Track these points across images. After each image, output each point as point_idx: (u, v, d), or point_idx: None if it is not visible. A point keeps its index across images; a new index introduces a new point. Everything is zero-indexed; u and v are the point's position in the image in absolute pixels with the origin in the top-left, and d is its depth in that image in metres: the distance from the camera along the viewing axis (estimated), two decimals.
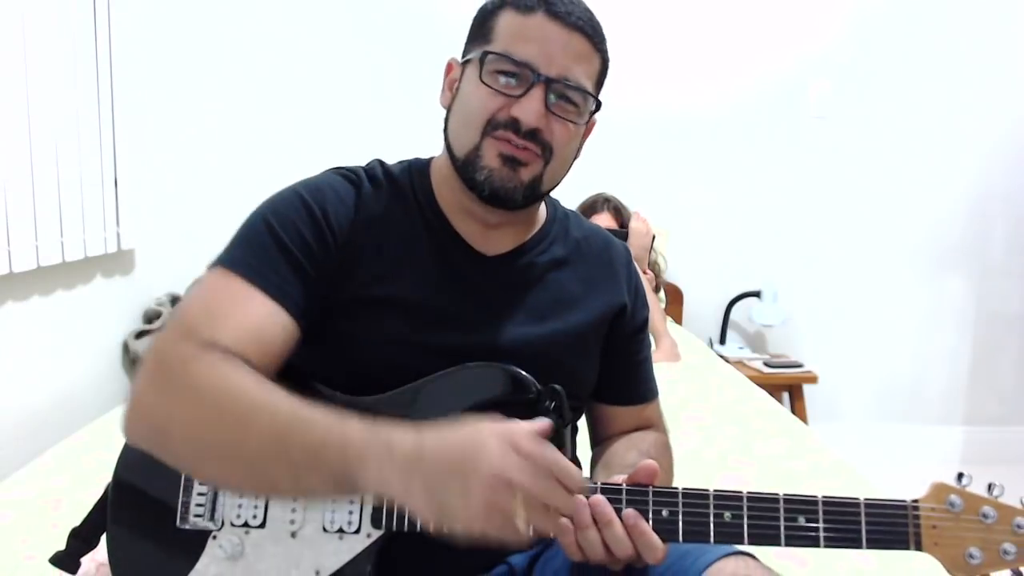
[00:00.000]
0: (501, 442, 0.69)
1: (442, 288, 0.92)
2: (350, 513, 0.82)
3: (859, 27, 3.14)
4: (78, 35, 2.29)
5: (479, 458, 0.68)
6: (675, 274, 3.18)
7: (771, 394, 2.33)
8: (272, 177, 1.17)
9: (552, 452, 0.71)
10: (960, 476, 0.74)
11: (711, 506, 0.74)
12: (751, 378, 2.53)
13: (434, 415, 0.82)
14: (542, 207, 1.03)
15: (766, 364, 3.04)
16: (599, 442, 1.09)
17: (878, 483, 1.62)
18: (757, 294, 3.14)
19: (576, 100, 0.91)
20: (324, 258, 0.88)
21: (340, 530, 0.82)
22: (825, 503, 0.73)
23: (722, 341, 3.22)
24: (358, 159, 1.00)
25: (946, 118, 3.17)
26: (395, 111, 2.99)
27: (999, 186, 3.20)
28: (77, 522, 0.92)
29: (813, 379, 3.05)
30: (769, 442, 1.83)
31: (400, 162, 1.01)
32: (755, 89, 3.16)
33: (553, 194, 1.03)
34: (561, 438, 0.91)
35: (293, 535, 0.82)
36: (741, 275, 3.21)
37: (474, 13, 0.96)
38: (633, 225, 2.70)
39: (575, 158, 0.98)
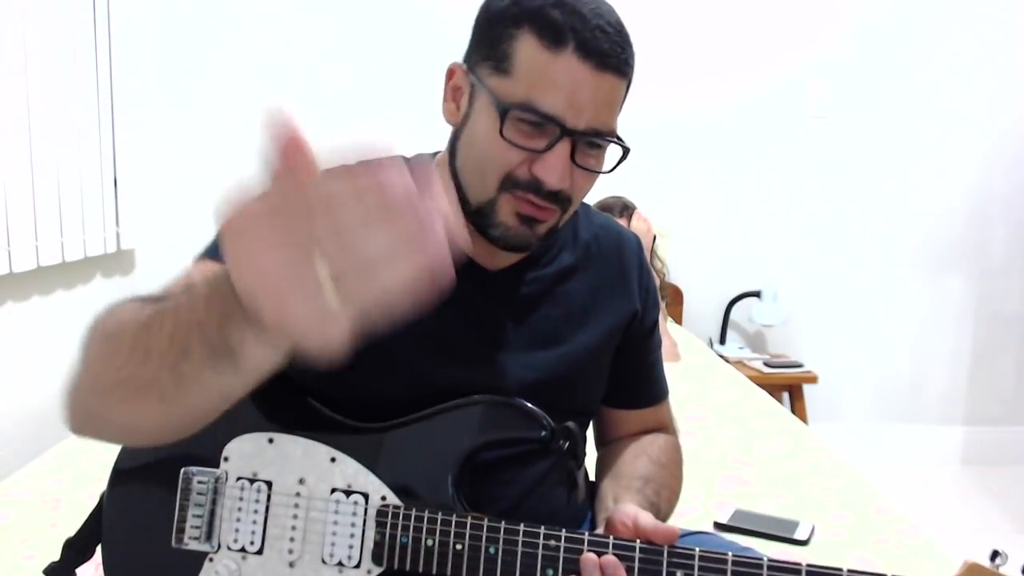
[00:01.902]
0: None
1: (445, 313, 0.81)
2: (350, 548, 0.80)
3: (859, 27, 3.14)
4: (78, 35, 2.30)
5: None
6: (675, 274, 3.18)
7: (771, 394, 2.34)
8: None
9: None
10: (995, 555, 0.68)
11: (729, 572, 0.71)
12: (751, 378, 2.53)
13: (442, 450, 0.81)
14: None
15: (766, 364, 3.04)
16: (605, 443, 1.06)
17: (878, 483, 1.62)
18: (757, 294, 3.14)
19: (602, 146, 0.84)
20: None
21: (340, 563, 0.80)
22: None
23: (722, 341, 3.22)
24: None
25: (946, 118, 3.16)
26: (397, 112, 2.98)
27: (999, 186, 3.20)
28: (77, 523, 0.91)
29: (813, 379, 3.05)
30: (769, 442, 1.84)
31: None
32: (755, 89, 3.16)
33: None
34: (574, 478, 0.89)
35: (291, 564, 0.80)
36: (741, 275, 3.20)
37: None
38: (634, 224, 2.70)
39: None
